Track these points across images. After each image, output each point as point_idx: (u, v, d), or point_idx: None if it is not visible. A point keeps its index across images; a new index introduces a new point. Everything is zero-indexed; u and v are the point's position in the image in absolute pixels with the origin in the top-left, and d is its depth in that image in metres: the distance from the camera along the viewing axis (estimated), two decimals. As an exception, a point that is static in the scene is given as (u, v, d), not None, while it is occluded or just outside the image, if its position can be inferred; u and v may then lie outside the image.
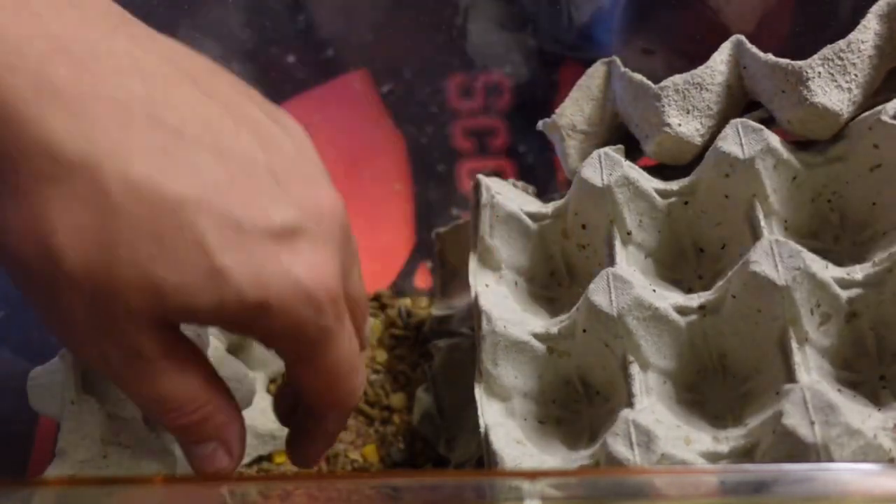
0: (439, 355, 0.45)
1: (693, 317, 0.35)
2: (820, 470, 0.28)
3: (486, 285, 0.39)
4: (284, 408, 0.34)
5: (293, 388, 0.33)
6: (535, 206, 0.40)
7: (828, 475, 0.28)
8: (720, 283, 0.35)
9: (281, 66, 0.55)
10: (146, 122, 0.25)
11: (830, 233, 0.37)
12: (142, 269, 0.25)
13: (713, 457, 0.32)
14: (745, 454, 0.32)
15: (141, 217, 0.24)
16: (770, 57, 0.37)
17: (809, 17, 0.49)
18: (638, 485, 0.28)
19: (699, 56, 0.38)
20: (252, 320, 0.27)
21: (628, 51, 0.53)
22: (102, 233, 0.24)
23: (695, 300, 0.35)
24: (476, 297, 0.38)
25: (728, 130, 0.36)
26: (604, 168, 0.37)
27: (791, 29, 0.50)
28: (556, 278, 0.41)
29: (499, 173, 0.55)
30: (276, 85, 0.55)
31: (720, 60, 0.38)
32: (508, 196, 0.40)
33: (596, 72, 0.41)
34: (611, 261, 0.37)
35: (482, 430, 0.35)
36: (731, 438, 0.32)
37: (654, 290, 0.35)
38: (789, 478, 0.28)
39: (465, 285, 0.45)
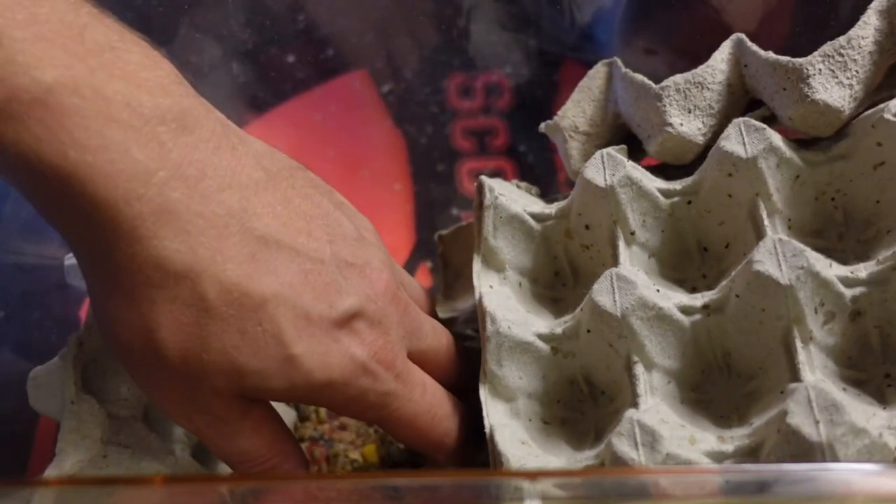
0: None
1: (697, 316, 0.35)
2: (822, 470, 0.28)
3: (491, 286, 0.39)
4: None
5: None
6: (539, 206, 0.40)
7: (830, 475, 0.28)
8: (724, 282, 0.35)
9: (281, 66, 0.55)
10: (239, 233, 0.30)
11: (834, 231, 0.37)
12: (227, 356, 0.30)
13: (718, 456, 0.32)
14: (749, 453, 0.31)
15: (230, 315, 0.30)
16: (770, 55, 0.37)
17: (810, 15, 0.49)
18: (640, 484, 0.28)
19: (700, 55, 0.38)
20: (319, 397, 0.32)
21: (629, 51, 0.52)
22: (198, 328, 0.29)
23: (699, 300, 0.35)
24: (480, 299, 0.38)
25: (730, 130, 0.36)
26: (607, 168, 0.37)
27: (792, 27, 0.50)
28: (559, 279, 0.41)
29: (499, 173, 0.54)
30: (276, 85, 0.55)
31: (721, 59, 0.38)
32: (512, 197, 0.40)
33: (597, 73, 0.41)
34: (614, 261, 0.36)
35: (487, 430, 0.35)
36: (735, 438, 0.32)
37: (658, 290, 0.35)
38: (791, 478, 0.27)
39: (469, 287, 0.45)
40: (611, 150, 0.38)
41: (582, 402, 0.37)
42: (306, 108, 0.55)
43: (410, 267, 0.53)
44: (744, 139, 0.36)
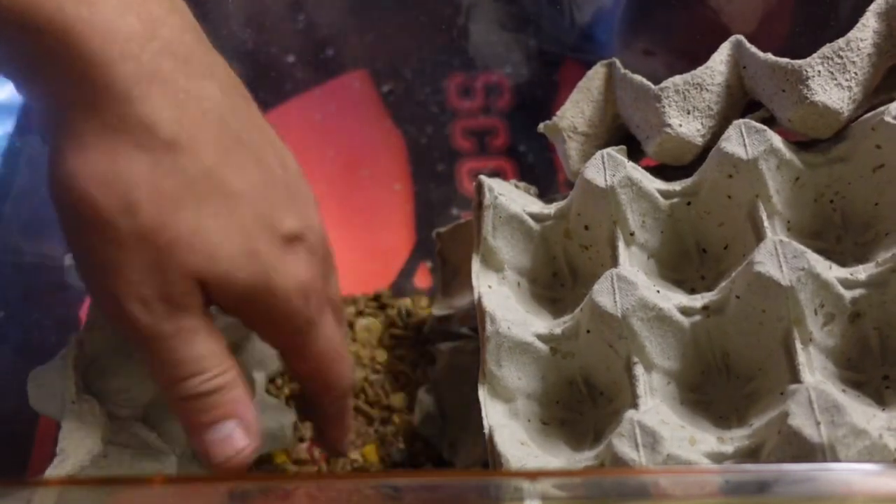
0: (442, 358, 0.45)
1: (697, 317, 0.35)
2: (822, 470, 0.28)
3: (490, 286, 0.39)
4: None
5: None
6: (538, 206, 0.40)
7: (830, 475, 0.28)
8: (724, 283, 0.35)
9: (281, 65, 0.55)
10: (217, 123, 0.30)
11: (833, 233, 0.37)
12: (201, 235, 0.30)
13: (718, 457, 0.32)
14: (750, 454, 0.31)
15: (208, 196, 0.30)
16: (770, 56, 0.37)
17: (809, 17, 0.49)
18: (639, 485, 0.28)
19: (699, 57, 0.38)
20: (259, 304, 0.32)
21: (629, 52, 0.53)
22: (175, 199, 0.29)
23: (698, 301, 0.35)
24: (479, 299, 0.38)
25: (731, 131, 0.36)
26: (607, 169, 0.37)
27: (791, 29, 0.50)
28: (558, 279, 0.41)
29: (499, 173, 0.55)
30: (276, 85, 0.55)
31: (720, 61, 0.38)
32: (511, 197, 0.40)
33: (596, 74, 0.41)
34: (614, 262, 0.36)
35: (486, 431, 0.35)
36: (735, 439, 0.32)
37: (658, 291, 0.35)
38: (791, 478, 0.28)
39: (466, 285, 0.45)
40: (611, 150, 0.38)
41: (581, 402, 0.37)
42: (306, 108, 0.55)
43: (410, 267, 0.53)
44: (744, 140, 0.36)
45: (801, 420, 0.29)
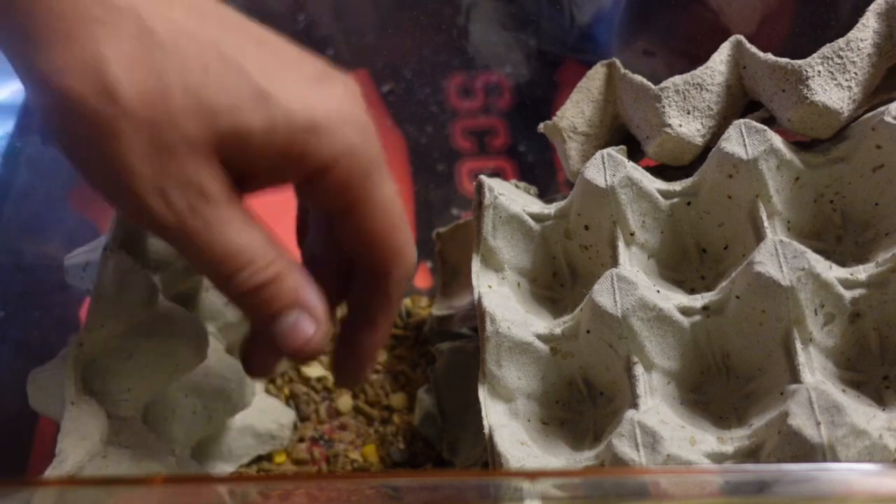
0: (441, 359, 0.45)
1: (697, 317, 0.35)
2: (822, 470, 0.28)
3: (490, 286, 0.39)
4: (258, 353, 0.33)
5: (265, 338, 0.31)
6: (538, 206, 0.40)
7: (830, 475, 0.28)
8: (724, 283, 0.35)
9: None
10: None
11: (833, 233, 0.37)
12: (194, 93, 0.26)
13: (718, 457, 0.32)
14: (750, 454, 0.31)
15: (186, 50, 0.26)
16: (769, 56, 0.37)
17: (810, 17, 0.49)
18: (638, 485, 0.28)
19: (699, 57, 0.38)
20: (304, 145, 0.28)
21: (629, 52, 0.53)
22: (153, 63, 0.26)
23: (698, 301, 0.35)
24: (479, 299, 0.38)
25: (731, 131, 0.36)
26: (607, 169, 0.37)
27: (791, 30, 0.50)
28: (558, 279, 0.41)
29: (499, 173, 0.55)
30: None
31: (720, 61, 0.38)
32: (511, 197, 0.40)
33: (596, 74, 0.41)
34: (614, 261, 0.36)
35: (486, 431, 0.35)
36: (735, 439, 0.32)
37: (658, 291, 0.35)
38: (791, 478, 0.28)
39: (466, 285, 0.45)
40: (611, 150, 0.38)
41: (581, 402, 0.37)
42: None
43: (410, 267, 0.53)
44: (745, 140, 0.36)
45: (801, 420, 0.29)
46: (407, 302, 0.51)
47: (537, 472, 0.32)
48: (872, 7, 0.36)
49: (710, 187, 0.37)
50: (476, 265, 0.39)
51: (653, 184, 0.38)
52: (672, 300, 0.35)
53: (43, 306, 0.46)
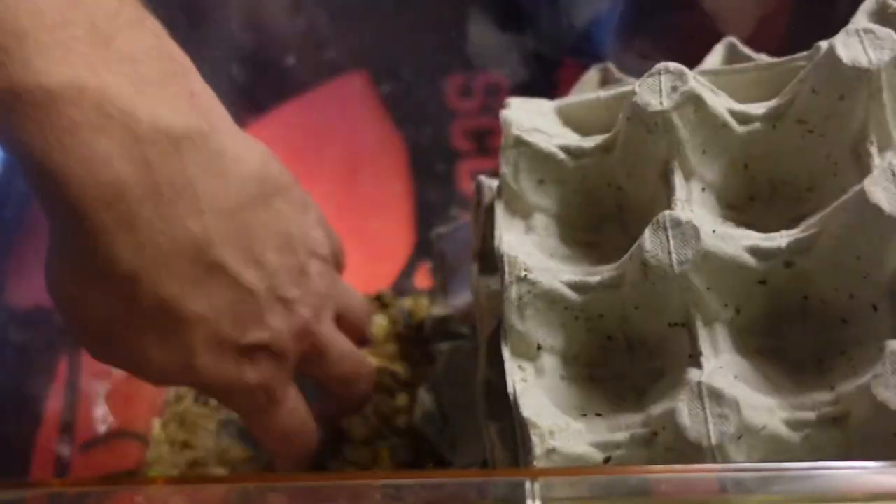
0: (441, 359, 0.45)
1: (773, 261, 0.31)
2: (822, 469, 0.28)
3: (514, 234, 0.35)
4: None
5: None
6: (573, 139, 0.36)
7: (830, 474, 0.27)
8: (811, 220, 0.31)
9: (281, 66, 0.55)
10: (192, 258, 0.32)
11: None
12: (139, 348, 0.32)
13: (799, 425, 0.29)
14: (834, 423, 0.29)
15: (155, 319, 0.32)
16: (763, 57, 0.37)
17: (805, 22, 0.49)
18: (641, 483, 0.28)
19: (696, 59, 0.38)
20: (207, 392, 0.39)
21: (626, 54, 0.53)
22: (125, 320, 0.31)
23: (776, 240, 0.31)
24: (499, 245, 0.34)
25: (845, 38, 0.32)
26: (663, 87, 0.32)
27: (787, 33, 0.50)
28: (598, 222, 0.36)
29: (498, 173, 0.55)
30: (276, 86, 0.55)
31: (713, 62, 0.38)
32: (536, 124, 0.35)
33: (590, 78, 0.41)
34: (668, 201, 0.32)
35: (511, 394, 0.31)
36: (818, 404, 0.30)
37: (721, 233, 0.31)
38: (792, 477, 0.27)
39: (465, 285, 0.45)
40: (670, 64, 0.33)
41: (617, 358, 0.34)
42: (306, 109, 0.55)
43: (410, 267, 0.53)
44: (865, 47, 0.32)
45: None
46: (407, 302, 0.51)
47: (538, 471, 0.31)
48: (863, 7, 0.36)
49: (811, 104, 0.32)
50: (500, 211, 0.36)
51: (724, 103, 0.33)
52: (742, 241, 0.31)
53: (44, 311, 0.46)
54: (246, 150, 0.34)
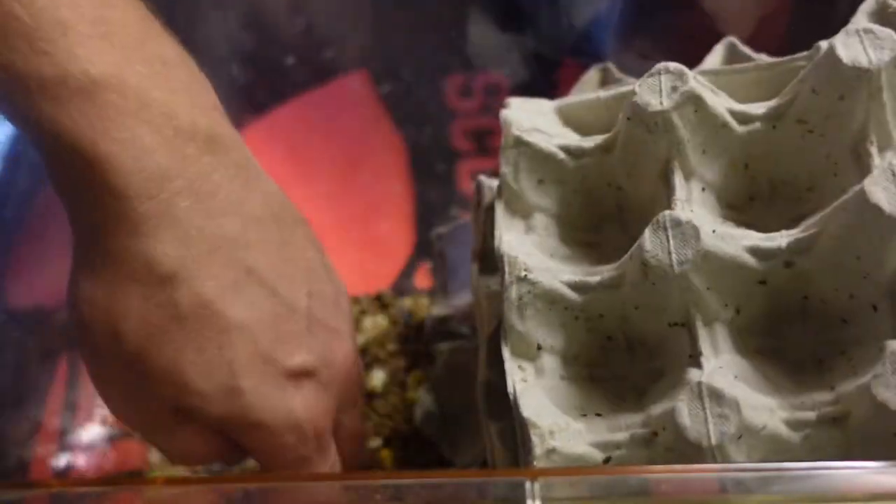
0: (441, 358, 0.45)
1: (773, 260, 0.31)
2: (822, 469, 0.28)
3: (514, 234, 0.35)
4: None
5: None
6: (574, 139, 0.35)
7: (830, 474, 0.27)
8: (811, 220, 0.31)
9: (281, 67, 0.55)
10: (228, 257, 0.31)
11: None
12: (178, 368, 0.30)
13: (799, 425, 0.29)
14: (833, 423, 0.29)
15: (195, 330, 0.30)
16: (763, 57, 0.37)
17: (805, 22, 0.49)
18: (641, 483, 0.28)
19: (696, 59, 0.38)
20: (245, 434, 0.32)
21: (626, 54, 0.53)
22: (161, 332, 0.30)
23: (776, 240, 0.31)
24: (499, 245, 0.34)
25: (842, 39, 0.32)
26: (664, 87, 0.32)
27: (787, 33, 0.50)
28: (598, 222, 0.36)
29: (498, 173, 0.55)
30: (276, 86, 0.55)
31: (713, 62, 0.38)
32: (537, 124, 0.35)
33: (590, 78, 0.41)
34: (668, 201, 0.32)
35: (511, 394, 0.31)
36: (818, 404, 0.30)
37: (720, 233, 0.31)
38: (791, 476, 0.27)
39: (465, 285, 0.45)
40: (670, 64, 0.33)
41: (616, 358, 0.34)
42: (306, 109, 0.55)
43: (410, 267, 0.53)
44: (864, 47, 0.31)
45: None
46: (407, 302, 0.51)
47: (538, 471, 0.31)
48: (862, 7, 0.35)
49: (811, 104, 0.32)
50: (500, 211, 0.36)
51: (724, 103, 0.32)
52: (742, 241, 0.31)
53: (44, 310, 0.46)
54: (264, 173, 0.34)
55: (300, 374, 0.33)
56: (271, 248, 0.32)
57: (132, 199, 0.29)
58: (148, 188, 0.29)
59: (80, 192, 0.29)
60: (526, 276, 0.32)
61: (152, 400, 0.31)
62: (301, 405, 0.33)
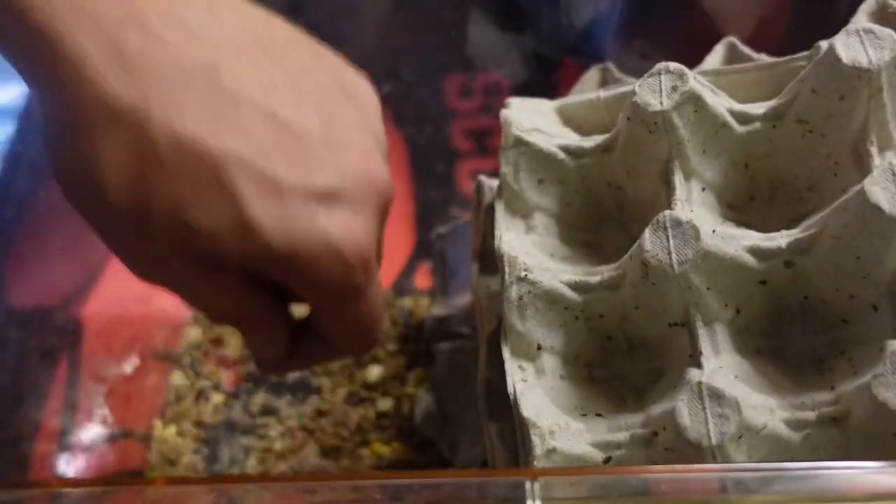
0: (441, 359, 0.45)
1: (773, 260, 0.31)
2: (822, 469, 0.28)
3: (514, 234, 0.35)
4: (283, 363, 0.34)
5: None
6: (574, 139, 0.36)
7: (830, 474, 0.27)
8: (811, 220, 0.31)
9: (280, 66, 0.55)
10: (205, 88, 0.27)
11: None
12: (176, 210, 0.27)
13: (799, 425, 0.29)
14: (834, 423, 0.29)
15: (182, 167, 0.27)
16: (763, 57, 0.37)
17: (805, 22, 0.49)
18: (641, 483, 0.28)
19: (696, 59, 0.38)
20: (281, 270, 0.28)
21: (626, 54, 0.53)
22: (143, 175, 0.27)
23: (776, 240, 0.31)
24: (499, 245, 0.34)
25: (843, 38, 0.32)
26: (664, 87, 0.32)
27: (787, 33, 0.50)
28: (598, 222, 0.36)
29: (498, 173, 0.55)
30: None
31: (713, 62, 0.38)
32: (537, 124, 0.35)
33: (590, 78, 0.41)
34: (668, 201, 0.32)
35: (511, 394, 0.31)
36: (818, 404, 0.30)
37: (721, 234, 0.31)
38: (792, 476, 0.27)
39: (465, 285, 0.45)
40: (670, 64, 0.33)
41: (616, 359, 0.34)
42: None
43: (410, 267, 0.53)
44: (865, 47, 0.31)
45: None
46: (407, 302, 0.51)
47: (538, 471, 0.31)
48: (863, 7, 0.36)
49: (809, 104, 0.32)
50: (500, 211, 0.35)
51: (723, 103, 0.32)
52: (741, 241, 0.31)
53: (44, 310, 0.46)
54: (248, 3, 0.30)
55: (328, 196, 0.29)
56: (261, 74, 0.28)
57: (66, 40, 0.26)
58: (81, 25, 0.26)
59: (20, 45, 0.27)
60: (526, 275, 0.32)
61: (167, 252, 0.28)
62: (338, 228, 0.28)
